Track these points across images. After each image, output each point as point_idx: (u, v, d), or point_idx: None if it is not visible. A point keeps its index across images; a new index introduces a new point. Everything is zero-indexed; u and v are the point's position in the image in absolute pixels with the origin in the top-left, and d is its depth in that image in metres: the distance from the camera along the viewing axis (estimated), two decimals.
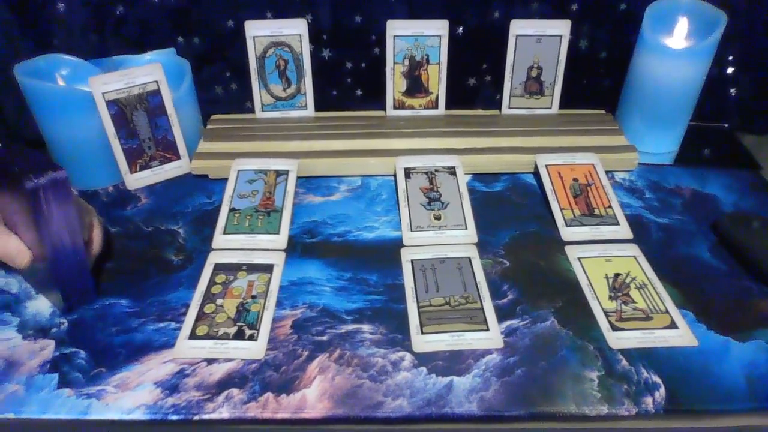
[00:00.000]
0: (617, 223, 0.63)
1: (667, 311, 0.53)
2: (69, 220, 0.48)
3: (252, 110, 0.78)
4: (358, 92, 0.80)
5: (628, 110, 0.75)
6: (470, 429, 0.46)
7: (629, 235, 0.62)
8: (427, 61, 0.74)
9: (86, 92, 0.63)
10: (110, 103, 0.64)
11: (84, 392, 0.46)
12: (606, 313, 0.53)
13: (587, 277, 0.57)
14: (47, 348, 0.50)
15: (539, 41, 0.74)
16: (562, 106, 0.78)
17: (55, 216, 0.47)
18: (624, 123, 0.76)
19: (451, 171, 0.68)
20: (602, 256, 0.59)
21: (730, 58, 0.76)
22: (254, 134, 0.74)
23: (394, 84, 0.76)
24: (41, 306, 0.54)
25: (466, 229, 0.62)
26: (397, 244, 0.61)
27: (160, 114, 0.68)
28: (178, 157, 0.71)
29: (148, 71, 0.66)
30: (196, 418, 0.45)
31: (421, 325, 0.51)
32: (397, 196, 0.66)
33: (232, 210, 0.64)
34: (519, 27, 0.73)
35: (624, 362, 0.48)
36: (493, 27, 0.74)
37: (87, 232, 0.53)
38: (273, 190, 0.66)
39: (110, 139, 0.66)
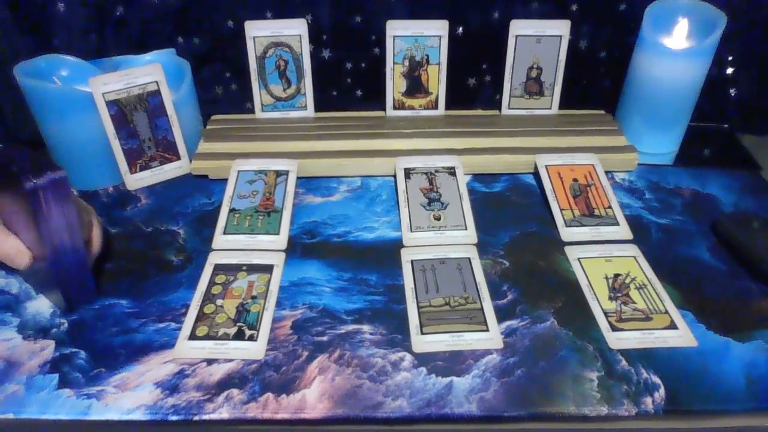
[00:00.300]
0: (617, 224, 0.63)
1: (666, 312, 0.53)
2: (69, 220, 0.48)
3: (252, 110, 0.78)
4: (358, 92, 0.80)
5: (628, 110, 0.75)
6: (470, 429, 0.46)
7: (629, 235, 0.62)
8: (427, 61, 0.74)
9: (86, 92, 0.63)
10: (110, 104, 0.64)
11: (84, 392, 0.46)
12: (606, 314, 0.53)
13: (587, 277, 0.57)
14: (47, 348, 0.50)
15: (539, 41, 0.74)
16: (561, 106, 0.78)
17: (55, 216, 0.47)
18: (624, 123, 0.76)
19: (451, 171, 0.68)
20: (602, 257, 0.59)
21: (730, 58, 0.76)
22: (254, 134, 0.74)
23: (394, 84, 0.76)
24: (41, 306, 0.54)
25: (466, 229, 0.62)
26: (397, 244, 0.61)
27: (160, 114, 0.68)
28: (178, 158, 0.71)
29: (148, 71, 0.66)
30: (196, 418, 0.45)
31: (421, 326, 0.51)
32: (397, 197, 0.66)
33: (232, 210, 0.64)
34: (519, 27, 0.73)
35: (624, 363, 0.48)
36: (493, 27, 0.74)
37: (87, 231, 0.53)
38: (273, 191, 0.66)
39: (110, 140, 0.66)
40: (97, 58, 0.70)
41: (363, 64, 0.78)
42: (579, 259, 0.59)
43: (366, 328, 0.52)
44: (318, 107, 0.78)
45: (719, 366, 0.48)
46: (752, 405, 0.46)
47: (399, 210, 0.65)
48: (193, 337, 0.50)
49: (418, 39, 0.73)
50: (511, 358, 0.49)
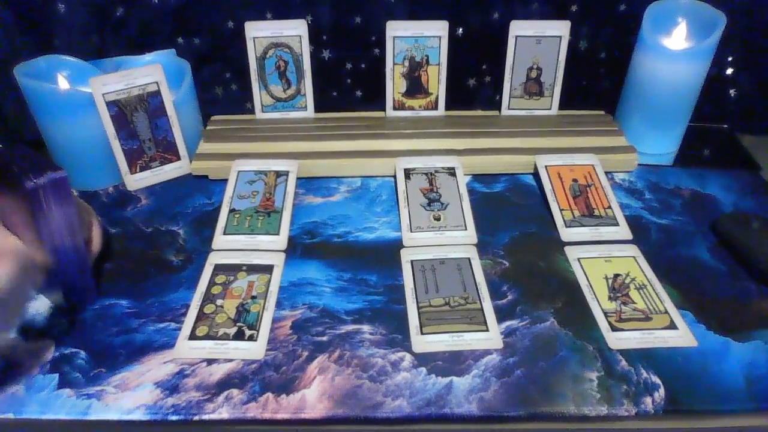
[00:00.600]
0: (617, 224, 0.63)
1: (666, 312, 0.53)
2: (69, 220, 0.48)
3: (252, 111, 0.78)
4: (358, 93, 0.80)
5: (628, 111, 0.75)
6: (470, 429, 0.46)
7: (629, 235, 0.62)
8: (427, 61, 0.74)
9: (86, 93, 0.63)
10: (110, 104, 0.64)
11: (84, 392, 0.46)
12: (605, 314, 0.53)
13: (587, 277, 0.57)
14: (47, 348, 0.50)
15: (539, 42, 0.74)
16: (561, 106, 0.78)
17: (55, 216, 0.47)
18: (623, 124, 0.76)
19: (451, 172, 0.68)
20: (602, 257, 0.59)
21: (730, 58, 0.76)
22: (254, 135, 0.74)
23: (394, 85, 0.76)
24: (41, 306, 0.54)
25: (466, 229, 0.62)
26: (397, 244, 0.61)
27: (160, 115, 0.68)
28: (178, 158, 0.71)
29: (148, 72, 0.66)
30: (196, 418, 0.45)
31: (421, 326, 0.51)
32: (397, 197, 0.66)
33: (232, 211, 0.64)
34: (518, 28, 0.73)
35: (623, 363, 0.48)
36: (493, 28, 0.75)
37: (87, 231, 0.53)
38: (273, 191, 0.66)
39: (110, 140, 0.66)
40: (97, 59, 0.70)
41: (363, 65, 0.78)
42: (579, 259, 0.59)
43: (366, 328, 0.52)
44: (318, 108, 0.78)
45: (719, 366, 0.48)
46: (752, 405, 0.46)
47: (399, 210, 0.65)
48: (193, 337, 0.50)
49: (418, 39, 0.73)
50: (510, 358, 0.49)
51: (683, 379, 0.47)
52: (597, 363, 0.48)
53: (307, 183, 0.70)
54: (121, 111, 0.65)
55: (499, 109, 0.79)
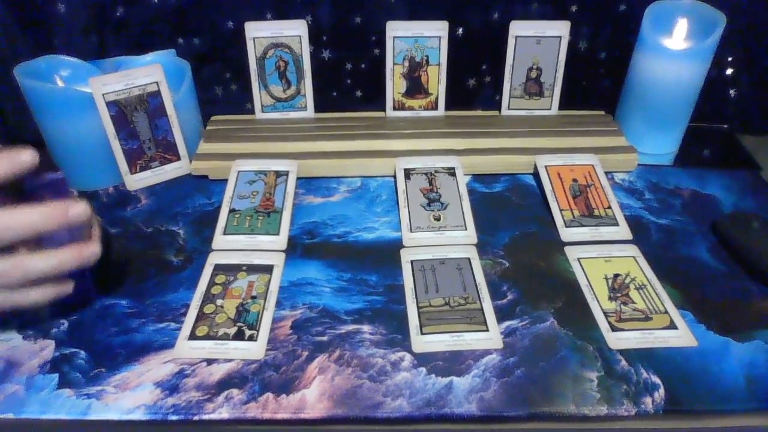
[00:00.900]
0: (617, 224, 0.63)
1: (666, 312, 0.53)
2: None
3: (252, 111, 0.78)
4: (358, 93, 0.80)
5: (628, 111, 0.75)
6: (470, 429, 0.46)
7: (629, 235, 0.62)
8: (427, 62, 0.74)
9: (86, 93, 0.63)
10: (110, 104, 0.64)
11: (84, 392, 0.46)
12: (605, 314, 0.53)
13: (587, 277, 0.57)
14: (47, 348, 0.50)
15: (539, 42, 0.74)
16: (561, 107, 0.78)
17: (61, 234, 0.47)
18: (623, 124, 0.76)
19: (451, 172, 0.68)
20: (602, 257, 0.59)
21: (730, 59, 0.76)
22: (254, 135, 0.74)
23: (394, 85, 0.76)
24: (41, 306, 0.53)
25: (466, 229, 0.62)
26: (397, 244, 0.61)
27: (160, 115, 0.68)
28: (178, 158, 0.71)
29: (148, 72, 0.66)
30: (195, 418, 0.45)
31: (421, 326, 0.51)
32: (397, 197, 0.66)
33: (232, 211, 0.64)
34: (518, 28, 0.73)
35: (623, 363, 0.48)
36: (493, 28, 0.75)
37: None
38: (273, 191, 0.66)
39: (110, 140, 0.66)
40: (97, 59, 0.70)
41: (363, 65, 0.78)
42: (579, 259, 0.59)
43: (366, 328, 0.52)
44: (318, 108, 0.78)
45: (719, 366, 0.48)
46: (752, 405, 0.46)
47: (399, 210, 0.65)
48: (192, 337, 0.50)
49: (418, 40, 0.73)
50: (510, 358, 0.49)
51: (683, 379, 0.47)
52: (597, 363, 0.48)
53: (307, 183, 0.70)
54: (121, 111, 0.65)
55: (499, 109, 0.79)
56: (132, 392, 0.46)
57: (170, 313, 0.53)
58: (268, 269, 0.57)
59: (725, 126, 0.81)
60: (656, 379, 0.47)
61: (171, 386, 0.47)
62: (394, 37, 0.73)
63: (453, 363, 0.48)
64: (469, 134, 0.74)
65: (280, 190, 0.66)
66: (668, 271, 0.57)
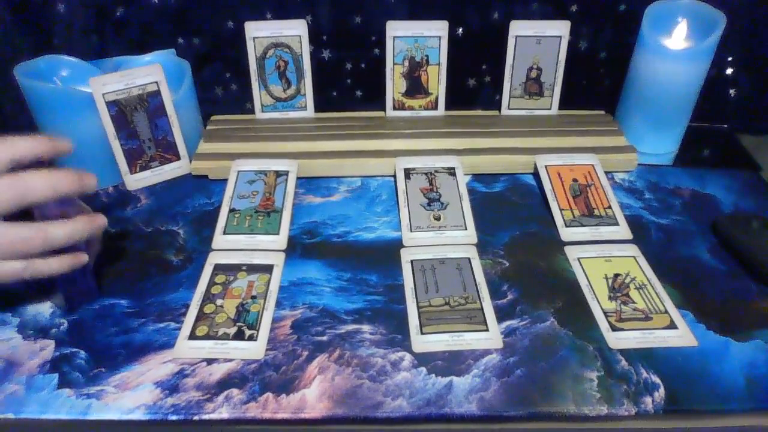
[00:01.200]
0: (617, 224, 0.63)
1: (666, 311, 0.53)
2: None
3: (252, 111, 0.78)
4: (358, 93, 0.80)
5: (628, 111, 0.75)
6: (470, 429, 0.46)
7: (629, 235, 0.62)
8: (427, 61, 0.74)
9: (86, 93, 0.63)
10: (110, 104, 0.64)
11: (84, 392, 0.46)
12: (605, 314, 0.53)
13: (587, 277, 0.57)
14: (47, 348, 0.50)
15: (539, 42, 0.74)
16: (561, 106, 0.78)
17: (55, 216, 0.47)
18: (623, 124, 0.76)
19: (451, 172, 0.68)
20: (602, 257, 0.59)
21: (730, 58, 0.76)
22: (254, 135, 0.74)
23: (394, 85, 0.76)
24: (41, 306, 0.54)
25: (466, 229, 0.62)
26: (397, 244, 0.61)
27: (160, 115, 0.68)
28: (178, 158, 0.71)
29: (148, 72, 0.66)
30: (195, 418, 0.45)
31: (421, 326, 0.51)
32: (397, 197, 0.66)
33: (232, 210, 0.64)
34: (518, 28, 0.73)
35: (623, 362, 0.48)
36: (493, 28, 0.75)
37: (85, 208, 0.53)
38: (273, 191, 0.66)
39: (110, 140, 0.66)
40: (97, 59, 0.70)
41: (363, 65, 0.78)
42: (579, 259, 0.59)
43: (366, 327, 0.52)
44: (318, 108, 0.78)
45: (719, 366, 0.48)
46: (752, 405, 0.46)
47: (399, 210, 0.65)
48: (192, 336, 0.50)
49: (418, 39, 0.73)
50: (510, 358, 0.49)
51: (683, 379, 0.47)
52: (597, 363, 0.48)
53: (307, 183, 0.70)
54: (121, 111, 0.65)
55: (499, 109, 0.79)
56: (132, 392, 0.46)
57: (170, 313, 0.53)
58: (268, 269, 0.57)
59: (725, 126, 0.81)
60: (656, 379, 0.47)
61: (171, 386, 0.47)
62: (394, 37, 0.73)
63: (453, 363, 0.48)
64: (469, 134, 0.74)
65: (280, 190, 0.66)
66: (668, 270, 0.57)
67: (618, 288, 0.55)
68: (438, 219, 0.63)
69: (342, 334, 0.51)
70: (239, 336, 0.50)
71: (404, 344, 0.50)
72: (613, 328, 0.51)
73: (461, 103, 0.79)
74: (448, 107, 0.78)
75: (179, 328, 0.51)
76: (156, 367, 0.48)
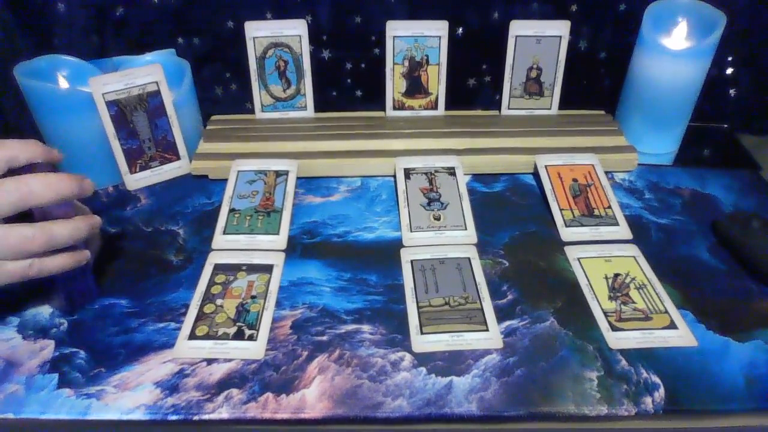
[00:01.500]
0: (617, 224, 0.63)
1: (666, 311, 0.53)
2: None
3: (252, 111, 0.78)
4: (358, 93, 0.80)
5: (628, 111, 0.75)
6: (470, 429, 0.46)
7: (629, 235, 0.62)
8: (427, 61, 0.74)
9: (86, 93, 0.63)
10: (110, 104, 0.64)
11: (84, 392, 0.46)
12: (605, 314, 0.53)
13: (587, 277, 0.57)
14: (47, 348, 0.50)
15: (539, 42, 0.74)
16: (561, 106, 0.78)
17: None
18: (623, 123, 0.76)
19: (451, 171, 0.68)
20: (602, 257, 0.59)
21: (730, 58, 0.76)
22: (254, 135, 0.74)
23: (394, 84, 0.76)
24: (41, 306, 0.53)
25: (466, 229, 0.62)
26: (397, 244, 0.61)
27: (160, 114, 0.68)
28: (178, 158, 0.71)
29: (148, 72, 0.66)
30: (195, 418, 0.45)
31: (421, 326, 0.51)
32: (397, 197, 0.66)
33: (231, 210, 0.64)
34: (518, 28, 0.73)
35: (623, 362, 0.48)
36: (493, 28, 0.75)
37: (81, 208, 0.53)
38: (273, 191, 0.66)
39: (110, 140, 0.66)
40: (97, 59, 0.70)
41: (363, 65, 0.78)
42: (579, 259, 0.59)
43: (366, 327, 0.52)
44: (318, 107, 0.78)
45: (719, 366, 0.48)
46: (752, 405, 0.46)
47: (399, 210, 0.65)
48: (192, 336, 0.50)
49: (418, 39, 0.73)
50: (510, 358, 0.49)
51: (683, 379, 0.47)
52: (597, 363, 0.48)
53: (306, 183, 0.70)
54: (120, 111, 0.65)
55: (499, 109, 0.79)
56: (132, 392, 0.46)
57: (170, 313, 0.53)
58: (267, 269, 0.57)
59: (725, 126, 0.81)
60: (656, 379, 0.47)
61: (171, 386, 0.47)
62: (394, 37, 0.73)
63: (453, 363, 0.48)
64: (469, 134, 0.74)
65: (280, 190, 0.66)
66: (668, 270, 0.57)
67: (618, 288, 0.55)
68: (438, 219, 0.63)
69: (342, 334, 0.51)
70: (239, 336, 0.50)
71: (404, 344, 0.50)
72: (613, 328, 0.51)
73: (461, 103, 0.79)
74: (448, 107, 0.78)
75: (179, 328, 0.51)
76: (156, 367, 0.48)
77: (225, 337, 0.50)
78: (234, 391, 0.46)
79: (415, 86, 0.76)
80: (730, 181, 0.70)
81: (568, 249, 0.60)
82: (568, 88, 0.77)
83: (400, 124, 0.76)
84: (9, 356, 0.49)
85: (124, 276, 0.57)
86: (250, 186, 0.66)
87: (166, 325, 0.52)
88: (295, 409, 0.45)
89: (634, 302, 0.54)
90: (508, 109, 0.78)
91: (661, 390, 0.46)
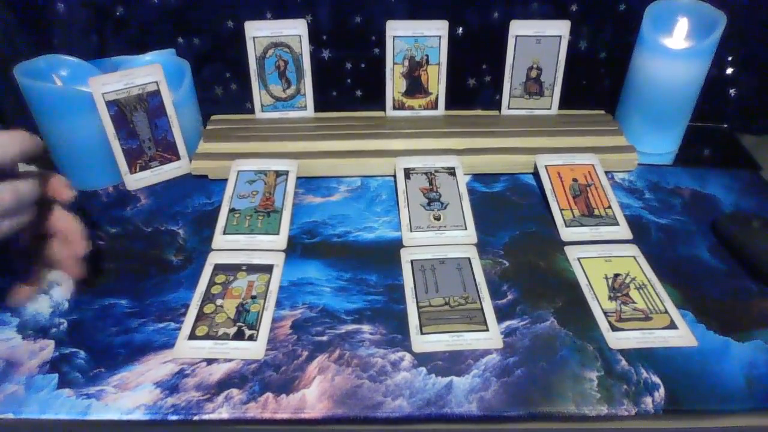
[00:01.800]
0: (617, 224, 0.63)
1: (666, 311, 0.53)
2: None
3: (252, 111, 0.78)
4: (358, 93, 0.80)
5: (628, 111, 0.75)
6: (470, 429, 0.46)
7: (629, 235, 0.62)
8: (427, 61, 0.74)
9: (86, 93, 0.63)
10: (110, 104, 0.64)
11: (84, 392, 0.46)
12: (605, 314, 0.53)
13: (587, 277, 0.57)
14: (47, 348, 0.50)
15: (539, 42, 0.74)
16: (561, 106, 0.78)
17: None
18: (624, 123, 0.76)
19: (451, 171, 0.68)
20: (602, 257, 0.59)
21: (730, 58, 0.76)
22: (254, 135, 0.74)
23: (394, 84, 0.76)
24: (41, 306, 0.54)
25: (466, 229, 0.62)
26: (397, 244, 0.61)
27: (160, 114, 0.68)
28: (178, 158, 0.71)
29: (148, 72, 0.66)
30: (195, 418, 0.45)
31: (421, 326, 0.51)
32: (397, 197, 0.66)
33: (231, 210, 0.64)
34: (518, 27, 0.73)
35: (623, 362, 0.48)
36: (493, 27, 0.75)
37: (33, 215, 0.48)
38: (273, 191, 0.66)
39: (110, 140, 0.66)
40: (97, 59, 0.70)
41: (363, 65, 0.78)
42: (579, 258, 0.59)
43: (366, 327, 0.52)
44: (318, 107, 0.78)
45: (719, 366, 0.48)
46: (752, 405, 0.46)
47: (399, 210, 0.65)
48: (192, 336, 0.50)
49: (418, 39, 0.73)
50: (510, 358, 0.49)
51: (683, 379, 0.47)
52: (597, 363, 0.48)
53: (306, 183, 0.70)
54: (120, 111, 0.65)
55: (499, 109, 0.79)
56: (132, 392, 0.46)
57: (170, 313, 0.53)
58: (267, 269, 0.57)
59: (725, 126, 0.81)
60: (656, 379, 0.47)
61: (171, 386, 0.47)
62: (394, 37, 0.73)
63: (453, 363, 0.48)
64: (469, 134, 0.73)
65: (280, 190, 0.66)
66: (668, 270, 0.57)
67: (618, 288, 0.55)
68: (438, 219, 0.63)
69: (342, 334, 0.51)
70: (239, 336, 0.50)
71: (404, 344, 0.50)
72: (613, 328, 0.51)
73: (461, 102, 0.79)
74: (448, 107, 0.78)
75: (179, 328, 0.51)
76: (156, 367, 0.48)
77: (225, 337, 0.50)
78: (234, 391, 0.46)
79: (415, 86, 0.76)
80: (730, 181, 0.70)
81: (568, 249, 0.60)
82: (568, 88, 0.77)
83: (400, 124, 0.76)
84: (9, 356, 0.49)
85: (124, 276, 0.57)
86: (250, 186, 0.66)
87: (166, 325, 0.52)
88: (295, 409, 0.45)
89: (634, 302, 0.54)
90: (508, 109, 0.78)
91: (661, 390, 0.46)
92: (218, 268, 0.57)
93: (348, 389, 0.46)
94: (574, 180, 0.67)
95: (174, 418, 0.45)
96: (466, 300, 0.54)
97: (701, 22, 0.68)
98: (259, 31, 0.72)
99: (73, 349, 0.50)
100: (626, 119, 0.75)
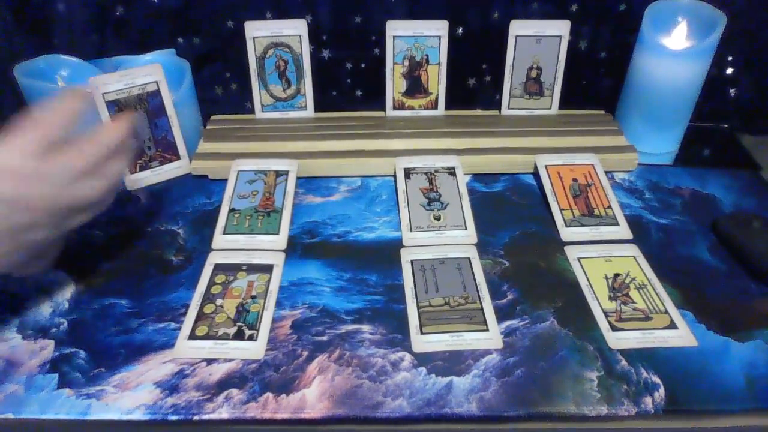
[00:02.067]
0: (617, 224, 0.63)
1: (666, 311, 0.53)
2: None
3: (252, 111, 0.78)
4: (358, 93, 0.80)
5: (628, 111, 0.75)
6: (470, 429, 0.46)
7: (629, 235, 0.62)
8: (427, 61, 0.74)
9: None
10: (110, 104, 0.64)
11: (84, 392, 0.46)
12: (605, 314, 0.53)
13: (587, 277, 0.57)
14: (47, 348, 0.50)
15: (539, 42, 0.74)
16: (561, 106, 0.78)
17: None
18: (624, 123, 0.76)
19: (451, 171, 0.68)
20: (602, 257, 0.59)
21: (730, 58, 0.76)
22: (254, 135, 0.74)
23: (394, 84, 0.76)
24: (41, 306, 0.54)
25: (466, 229, 0.62)
26: (397, 244, 0.61)
27: (160, 114, 0.68)
28: (178, 158, 0.71)
29: (148, 72, 0.66)
30: (195, 418, 0.45)
31: (421, 326, 0.51)
32: (397, 197, 0.66)
33: (231, 210, 0.64)
34: (518, 27, 0.73)
35: (623, 362, 0.48)
36: (493, 27, 0.74)
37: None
38: (273, 191, 0.66)
39: None
40: (97, 59, 0.70)
41: (363, 65, 0.78)
42: (579, 258, 0.59)
43: (366, 327, 0.52)
44: (318, 107, 0.78)
45: (719, 366, 0.48)
46: (752, 405, 0.46)
47: (399, 210, 0.65)
48: (192, 336, 0.50)
49: (418, 39, 0.73)
50: (510, 358, 0.49)
51: (683, 379, 0.47)
52: (597, 363, 0.48)
53: (307, 183, 0.70)
54: (121, 110, 0.65)
55: (499, 109, 0.78)
56: (132, 392, 0.46)
57: (170, 313, 0.53)
58: (267, 269, 0.57)
59: (725, 126, 0.81)
60: (656, 379, 0.47)
61: (171, 386, 0.47)
62: (394, 37, 0.73)
63: (453, 363, 0.48)
64: (469, 134, 0.73)
65: (280, 190, 0.66)
66: (668, 270, 0.57)
67: (618, 288, 0.55)
68: (438, 219, 0.63)
69: (342, 334, 0.51)
70: (239, 336, 0.50)
71: (404, 344, 0.50)
72: (613, 328, 0.51)
73: (461, 102, 0.79)
74: (448, 107, 0.78)
75: (179, 328, 0.51)
76: (156, 367, 0.48)
77: (225, 337, 0.50)
78: (234, 391, 0.46)
79: (415, 86, 0.76)
80: (730, 181, 0.70)
81: (568, 249, 0.60)
82: (568, 88, 0.77)
83: (400, 124, 0.76)
84: (9, 356, 0.49)
85: (124, 276, 0.57)
86: (250, 186, 0.66)
87: (166, 325, 0.52)
88: (295, 409, 0.45)
89: (634, 302, 0.54)
90: (508, 108, 0.78)
91: (661, 390, 0.46)
92: (218, 268, 0.57)
93: (348, 389, 0.46)
94: (574, 180, 0.67)
95: (174, 418, 0.45)
96: (466, 300, 0.54)
97: (701, 23, 0.68)
98: (259, 31, 0.72)
99: (73, 349, 0.50)
100: (626, 119, 0.75)
